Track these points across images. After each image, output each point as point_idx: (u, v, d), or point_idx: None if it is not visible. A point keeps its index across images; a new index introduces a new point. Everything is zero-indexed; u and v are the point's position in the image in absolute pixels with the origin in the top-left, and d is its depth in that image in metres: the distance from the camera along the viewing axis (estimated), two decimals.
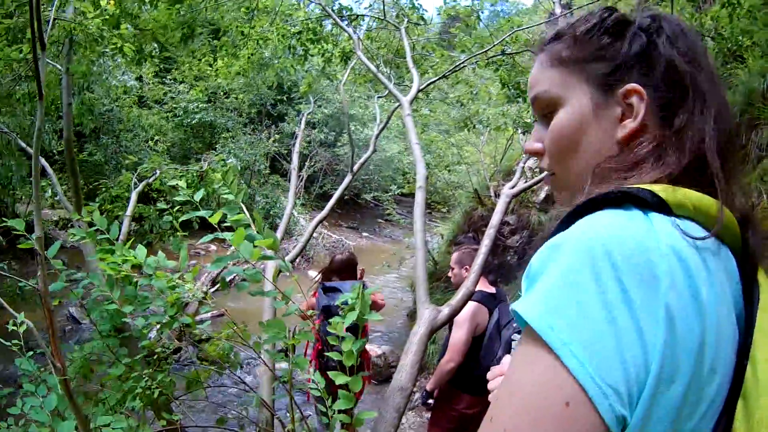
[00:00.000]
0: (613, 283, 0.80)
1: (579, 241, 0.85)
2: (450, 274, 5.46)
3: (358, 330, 2.80)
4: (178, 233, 3.60)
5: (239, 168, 17.15)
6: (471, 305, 4.89)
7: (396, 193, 26.82)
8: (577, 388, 0.77)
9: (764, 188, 5.54)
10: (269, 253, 2.96)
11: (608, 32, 1.14)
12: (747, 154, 6.06)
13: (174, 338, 3.48)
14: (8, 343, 3.37)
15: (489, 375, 1.40)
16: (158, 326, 3.40)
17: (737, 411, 0.85)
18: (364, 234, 25.79)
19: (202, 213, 2.96)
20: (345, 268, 6.23)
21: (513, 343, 5.98)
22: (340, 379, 2.84)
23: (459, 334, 5.05)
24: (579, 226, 0.88)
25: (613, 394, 0.76)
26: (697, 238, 0.88)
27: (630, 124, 1.08)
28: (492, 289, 5.32)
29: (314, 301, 5.81)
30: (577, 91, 1.14)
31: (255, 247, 2.83)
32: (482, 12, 9.93)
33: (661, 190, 0.91)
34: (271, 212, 20.35)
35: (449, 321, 4.37)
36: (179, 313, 3.31)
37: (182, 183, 3.24)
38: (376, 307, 6.18)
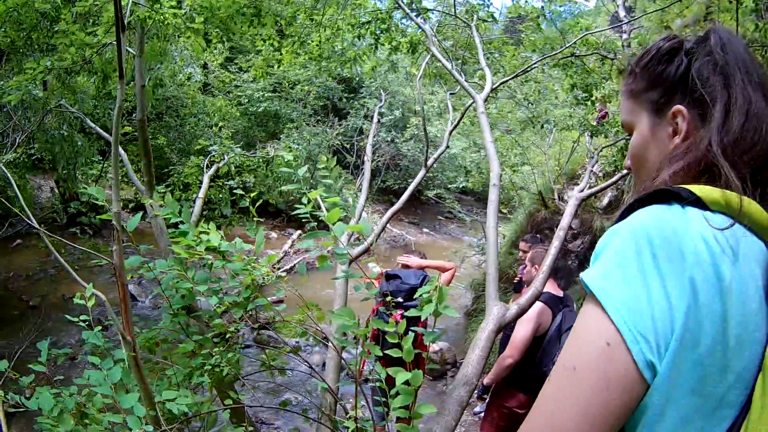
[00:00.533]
0: (649, 258, 1.03)
1: (629, 228, 1.09)
2: (524, 271, 5.46)
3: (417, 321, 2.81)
4: (254, 217, 3.63)
5: (304, 156, 17.23)
6: (537, 305, 4.89)
7: (458, 190, 26.77)
8: (616, 332, 1.01)
9: None
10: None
11: (662, 60, 1.37)
12: None
13: (247, 319, 3.50)
14: (75, 319, 3.43)
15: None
16: (231, 308, 3.44)
17: (756, 384, 1.02)
18: (425, 230, 25.76)
19: (310, 194, 2.99)
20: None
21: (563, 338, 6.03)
22: (401, 376, 2.88)
23: (522, 331, 5.04)
24: (631, 217, 1.12)
25: (643, 341, 0.99)
26: (719, 229, 1.06)
27: (676, 140, 1.31)
28: (560, 293, 5.30)
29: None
30: (641, 118, 1.41)
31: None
32: (549, 13, 9.81)
33: (698, 189, 1.11)
34: (325, 198, 20.40)
35: (517, 319, 4.37)
36: (254, 294, 3.36)
37: (289, 156, 3.28)
38: (447, 278, 6.23)
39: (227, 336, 3.48)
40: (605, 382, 1.01)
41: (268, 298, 3.72)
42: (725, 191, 1.12)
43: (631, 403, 1.02)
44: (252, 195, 3.84)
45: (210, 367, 3.30)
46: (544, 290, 4.72)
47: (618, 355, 1.00)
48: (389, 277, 5.90)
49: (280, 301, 5.53)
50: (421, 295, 3.07)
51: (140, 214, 3.28)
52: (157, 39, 6.78)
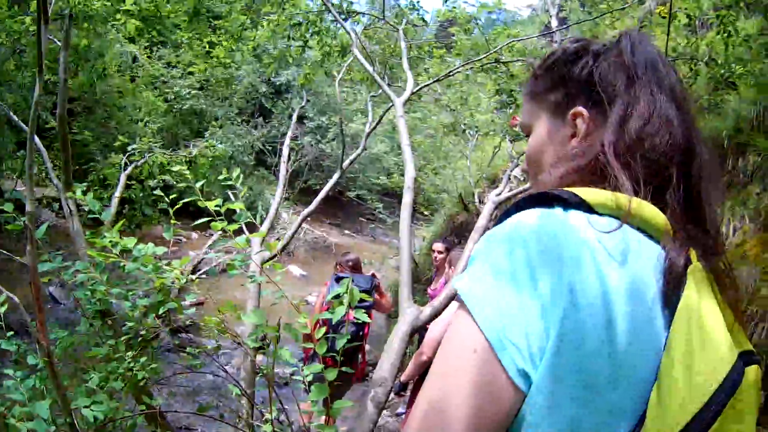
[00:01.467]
0: (522, 263, 0.98)
1: (503, 232, 1.05)
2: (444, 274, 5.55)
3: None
4: (171, 219, 3.60)
5: (228, 156, 17.06)
6: (452, 305, 4.97)
7: (380, 191, 26.81)
8: (483, 339, 0.96)
9: (747, 213, 5.60)
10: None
11: (567, 62, 1.33)
12: (732, 180, 6.11)
13: (159, 323, 3.48)
14: None
15: None
16: (144, 310, 3.41)
17: (652, 393, 0.96)
18: (346, 231, 25.76)
19: (208, 204, 3.00)
20: (356, 265, 6.44)
21: None
22: (312, 369, 2.92)
23: (435, 330, 5.10)
24: (508, 221, 1.07)
25: (514, 349, 0.94)
26: (604, 232, 1.02)
27: (574, 142, 1.27)
28: None
29: (326, 291, 5.95)
30: (540, 119, 1.37)
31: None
32: (479, 20, 9.94)
33: (583, 192, 1.07)
34: (254, 204, 20.25)
35: (431, 321, 4.43)
36: (166, 298, 3.33)
37: (187, 171, 3.27)
38: (382, 308, 6.30)
39: (140, 340, 3.45)
40: (475, 390, 0.95)
41: (187, 301, 3.70)
42: (616, 194, 1.08)
43: (506, 411, 0.96)
44: (172, 196, 3.80)
45: (123, 372, 3.26)
46: None
47: (486, 362, 0.95)
48: (340, 279, 5.94)
49: (200, 303, 5.49)
50: (336, 296, 3.09)
51: (45, 225, 3.21)
52: (87, 24, 6.60)
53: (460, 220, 14.22)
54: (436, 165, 16.53)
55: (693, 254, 1.07)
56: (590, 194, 1.07)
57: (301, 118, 23.10)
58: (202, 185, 3.27)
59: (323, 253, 19.90)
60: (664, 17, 7.25)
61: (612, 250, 1.00)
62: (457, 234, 14.09)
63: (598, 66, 1.27)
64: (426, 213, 17.32)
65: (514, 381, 0.94)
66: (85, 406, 2.97)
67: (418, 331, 4.58)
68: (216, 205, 3.14)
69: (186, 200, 3.34)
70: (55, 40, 5.94)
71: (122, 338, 3.46)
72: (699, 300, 1.00)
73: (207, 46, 10.86)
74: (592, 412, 0.95)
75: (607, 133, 1.18)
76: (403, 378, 5.37)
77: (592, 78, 1.27)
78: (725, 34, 6.52)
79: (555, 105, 1.33)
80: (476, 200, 14.09)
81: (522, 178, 13.04)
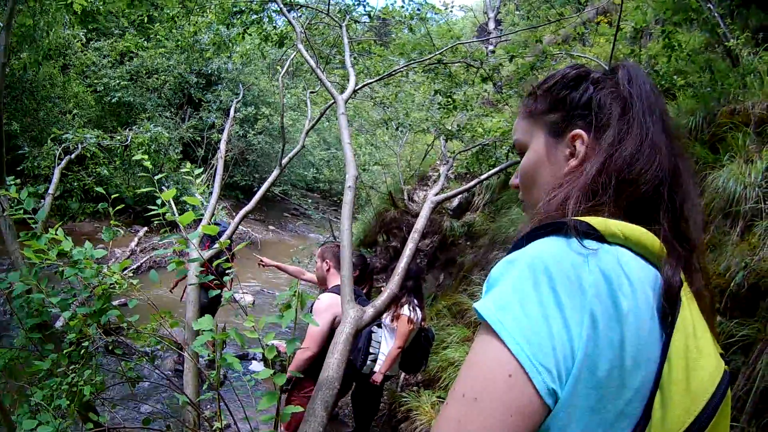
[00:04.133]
0: (548, 291, 1.06)
1: (527, 260, 1.11)
2: (315, 267, 5.52)
3: None
4: (111, 222, 3.46)
5: (153, 149, 16.73)
6: (330, 297, 5.05)
7: (304, 186, 26.71)
8: (517, 365, 1.03)
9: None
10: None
11: (567, 86, 1.43)
12: None
13: (99, 329, 3.33)
14: None
15: None
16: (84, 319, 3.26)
17: (655, 399, 1.08)
18: (271, 227, 25.55)
19: (163, 196, 2.90)
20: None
21: (373, 334, 6.16)
22: (263, 374, 2.88)
23: (318, 325, 5.07)
24: (529, 248, 1.15)
25: (545, 371, 1.02)
26: (617, 263, 1.11)
27: (572, 162, 1.37)
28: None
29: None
30: (537, 138, 1.46)
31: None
32: (426, 19, 9.98)
33: (596, 222, 1.15)
34: (181, 199, 19.90)
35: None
36: (107, 305, 3.20)
37: (147, 162, 3.16)
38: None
39: (82, 352, 3.30)
40: (509, 412, 1.02)
41: (117, 301, 3.56)
42: (620, 223, 1.16)
43: (535, 427, 1.04)
44: (113, 195, 3.66)
45: (67, 387, 3.10)
46: (335, 284, 4.99)
47: (521, 386, 1.02)
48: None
49: (124, 304, 5.33)
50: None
51: None
52: (33, 2, 6.27)
53: (389, 216, 14.26)
54: (365, 160, 16.52)
55: (682, 274, 1.21)
56: (601, 224, 1.15)
57: (227, 110, 22.83)
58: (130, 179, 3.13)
59: (248, 249, 19.68)
60: (610, 26, 7.42)
61: (622, 278, 1.09)
62: (387, 231, 14.13)
63: (598, 94, 1.38)
64: (353, 209, 17.30)
65: (545, 400, 1.03)
66: (31, 430, 2.82)
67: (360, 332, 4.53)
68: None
69: (120, 195, 3.20)
70: None
71: (64, 351, 3.30)
72: (691, 317, 1.17)
73: (145, 26, 10.63)
74: (602, 418, 1.06)
75: (602, 157, 1.29)
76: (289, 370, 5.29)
77: (591, 104, 1.38)
78: (669, 48, 6.75)
79: (553, 125, 1.43)
80: (405, 197, 14.14)
81: (453, 176, 13.21)
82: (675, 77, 7.02)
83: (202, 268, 3.56)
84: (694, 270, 1.30)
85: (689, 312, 1.17)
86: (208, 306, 6.93)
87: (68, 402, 3.08)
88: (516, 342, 1.04)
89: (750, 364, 4.37)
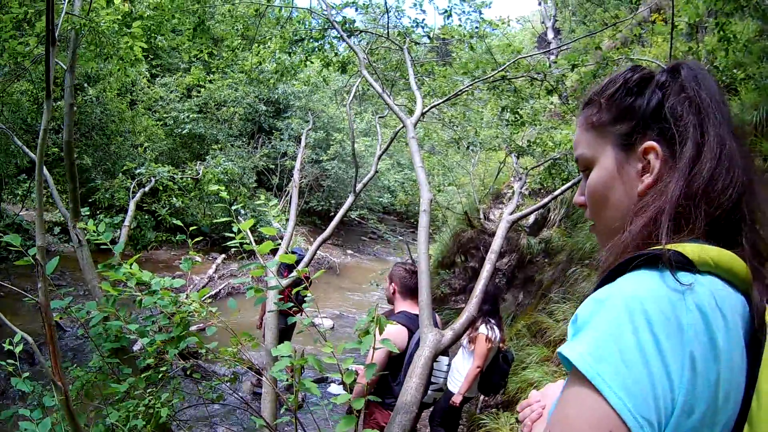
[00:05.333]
0: (648, 336, 0.98)
1: (620, 299, 1.03)
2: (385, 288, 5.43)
3: None
4: (191, 252, 3.52)
5: (226, 180, 17.05)
6: (389, 328, 4.88)
7: (381, 210, 26.79)
8: (619, 420, 0.96)
9: None
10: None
11: (631, 92, 1.30)
12: None
13: (178, 357, 3.39)
14: (3, 363, 3.28)
15: (519, 407, 1.66)
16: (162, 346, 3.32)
17: (744, 429, 1.04)
18: (349, 252, 25.67)
19: (241, 226, 2.94)
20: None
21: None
22: (341, 398, 2.87)
23: (375, 354, 4.96)
24: (620, 285, 1.06)
25: (647, 425, 0.95)
26: (713, 295, 1.04)
27: (646, 179, 1.24)
28: (417, 310, 5.18)
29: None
30: (605, 152, 1.32)
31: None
32: (475, 39, 9.95)
33: (689, 251, 1.07)
34: (257, 227, 20.17)
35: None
36: (186, 333, 3.25)
37: (224, 193, 3.22)
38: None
39: (160, 376, 3.36)
40: None
41: (197, 326, 3.62)
42: (709, 249, 1.10)
43: None
44: (191, 228, 3.73)
45: (144, 408, 3.17)
46: (400, 310, 4.78)
47: None
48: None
49: (202, 329, 5.40)
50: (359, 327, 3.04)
51: (57, 258, 3.11)
52: (94, 46, 6.50)
53: (466, 237, 14.21)
54: (440, 182, 16.51)
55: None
56: (693, 253, 1.07)
57: (298, 137, 23.12)
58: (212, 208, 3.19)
59: (327, 274, 19.81)
60: (666, 24, 7.26)
61: (716, 312, 1.03)
62: (465, 251, 14.08)
63: (668, 100, 1.25)
64: (430, 231, 17.30)
65: None
66: None
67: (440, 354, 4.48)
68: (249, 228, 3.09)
69: (198, 225, 3.27)
70: (59, 62, 5.85)
71: (142, 375, 3.37)
72: None
73: (207, 60, 10.89)
74: None
75: (681, 178, 1.16)
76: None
77: (661, 111, 1.25)
78: (725, 41, 6.49)
79: (622, 138, 1.29)
80: (481, 216, 14.08)
81: (527, 193, 13.10)
82: (735, 71, 6.81)
83: (281, 296, 3.60)
84: None
85: None
86: (284, 330, 6.95)
87: (144, 423, 3.14)
88: (617, 396, 0.96)
89: None
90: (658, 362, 0.97)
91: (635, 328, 0.99)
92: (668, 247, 1.07)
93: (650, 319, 0.99)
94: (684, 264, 1.05)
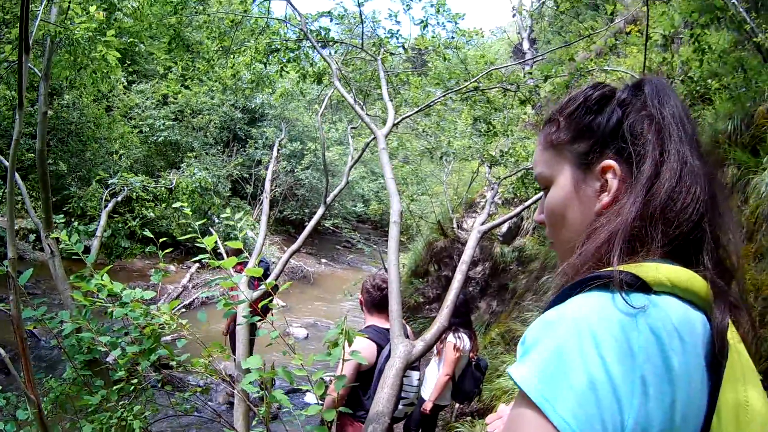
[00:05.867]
0: (596, 359, 0.95)
1: (570, 321, 1.01)
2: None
3: None
4: (161, 264, 3.53)
5: (200, 190, 16.99)
6: (359, 341, 4.86)
7: (355, 218, 26.78)
8: None
9: None
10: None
11: (590, 110, 1.29)
12: None
13: (150, 369, 3.40)
14: None
15: (488, 419, 1.67)
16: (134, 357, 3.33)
17: None
18: (323, 260, 25.63)
19: (206, 241, 2.95)
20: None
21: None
22: (311, 410, 2.91)
23: (344, 368, 4.93)
24: (570, 307, 1.03)
25: None
26: (668, 316, 1.01)
27: (604, 199, 1.22)
28: (387, 325, 5.15)
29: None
30: (563, 171, 1.31)
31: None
32: (451, 50, 10.00)
33: (644, 272, 1.05)
34: (231, 236, 20.11)
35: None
36: (157, 344, 3.26)
37: (187, 210, 3.22)
38: None
39: (132, 388, 3.36)
40: None
41: (172, 335, 3.62)
42: (665, 268, 1.08)
43: None
44: (162, 239, 3.73)
45: (116, 421, 3.17)
46: (369, 324, 4.80)
47: None
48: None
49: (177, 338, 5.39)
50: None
51: (30, 270, 3.12)
52: (68, 55, 6.45)
53: (439, 246, 14.26)
54: (413, 191, 16.55)
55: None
56: (647, 274, 1.05)
57: (272, 146, 23.12)
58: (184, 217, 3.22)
59: (301, 283, 19.77)
60: (640, 33, 7.35)
61: (672, 333, 1.00)
62: (438, 260, 14.12)
63: (628, 119, 1.23)
64: (404, 239, 17.31)
65: None
66: None
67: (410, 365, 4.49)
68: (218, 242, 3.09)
69: (186, 236, 3.28)
70: (36, 70, 5.82)
71: (114, 387, 3.37)
72: (740, 360, 1.10)
73: (182, 72, 10.88)
74: None
75: (641, 193, 1.15)
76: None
77: (620, 129, 1.23)
78: (700, 52, 6.58)
79: (580, 157, 1.28)
80: (455, 225, 14.14)
81: (500, 202, 13.17)
82: (709, 81, 6.89)
83: (250, 308, 3.61)
84: (738, 307, 1.17)
85: (737, 355, 1.10)
86: (251, 342, 6.91)
87: None
88: (563, 419, 0.93)
89: None
90: (607, 385, 0.94)
91: (583, 351, 0.96)
92: (622, 268, 1.05)
93: (599, 341, 0.96)
94: (637, 285, 1.03)
